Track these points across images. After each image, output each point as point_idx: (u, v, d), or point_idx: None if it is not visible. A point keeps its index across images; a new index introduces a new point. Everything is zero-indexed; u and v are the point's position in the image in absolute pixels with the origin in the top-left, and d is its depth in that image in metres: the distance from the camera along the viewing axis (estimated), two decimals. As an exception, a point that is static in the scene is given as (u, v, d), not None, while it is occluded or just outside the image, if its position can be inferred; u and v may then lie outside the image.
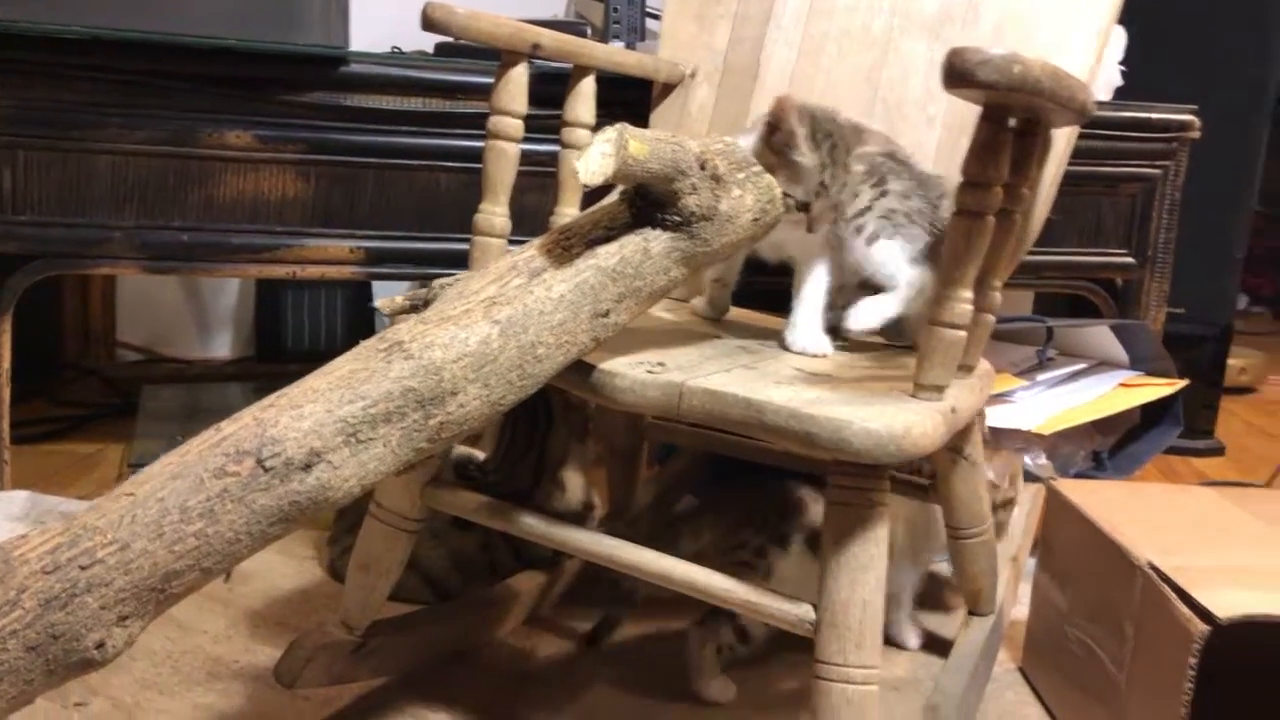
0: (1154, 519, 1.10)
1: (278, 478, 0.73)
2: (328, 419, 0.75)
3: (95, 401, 2.06)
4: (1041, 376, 1.52)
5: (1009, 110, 0.83)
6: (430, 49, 1.66)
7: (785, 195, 0.96)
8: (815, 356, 1.03)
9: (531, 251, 0.88)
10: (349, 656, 1.08)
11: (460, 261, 1.15)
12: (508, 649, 1.25)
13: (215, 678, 1.14)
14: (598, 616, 1.27)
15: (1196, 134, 1.71)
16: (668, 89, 1.36)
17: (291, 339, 2.27)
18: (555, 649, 1.25)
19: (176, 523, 0.70)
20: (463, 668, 1.20)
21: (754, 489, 1.25)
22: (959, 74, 0.76)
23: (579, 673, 1.20)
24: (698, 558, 0.92)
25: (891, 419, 0.80)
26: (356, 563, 1.06)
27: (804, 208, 0.97)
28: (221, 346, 2.38)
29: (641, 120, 1.38)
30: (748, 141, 1.00)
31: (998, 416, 1.43)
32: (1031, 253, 1.75)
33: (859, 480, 0.85)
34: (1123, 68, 1.78)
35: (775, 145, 0.96)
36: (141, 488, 0.70)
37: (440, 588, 1.31)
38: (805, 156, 0.95)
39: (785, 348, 1.05)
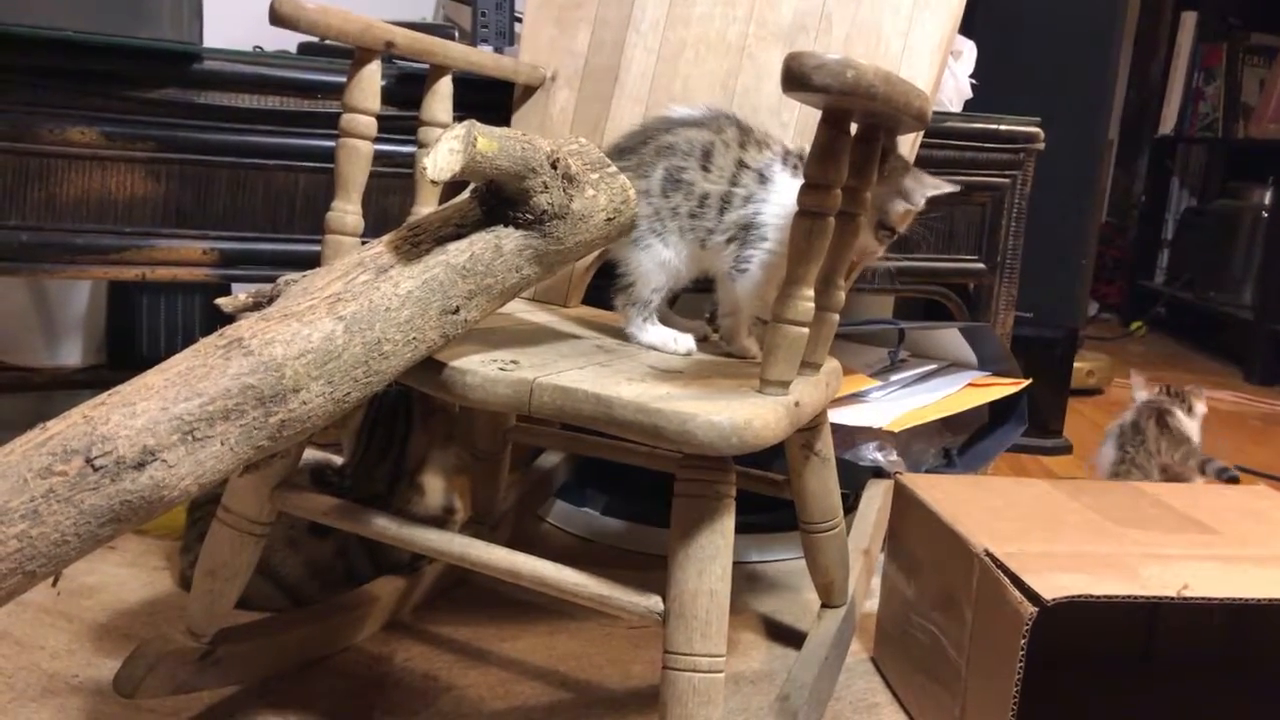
0: (992, 510, 1.15)
1: (108, 477, 0.71)
2: (162, 416, 0.74)
3: (-71, 413, 1.96)
4: (894, 377, 1.57)
5: (847, 114, 0.86)
6: (294, 50, 1.62)
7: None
8: (683, 354, 1.05)
9: (379, 248, 0.88)
10: (195, 664, 1.05)
11: (318, 263, 1.13)
12: (365, 654, 1.23)
13: (51, 694, 1.09)
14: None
15: (1041, 145, 1.79)
16: (529, 92, 1.36)
17: (147, 345, 2.18)
18: (414, 653, 1.24)
19: (-4, 525, 0.67)
20: (318, 674, 1.18)
21: None
22: (796, 77, 0.78)
23: (438, 677, 1.19)
24: None
25: (735, 412, 0.82)
26: (203, 568, 1.03)
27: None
28: (71, 354, 2.27)
29: (504, 124, 1.38)
30: None
31: (852, 415, 1.47)
32: (889, 258, 1.82)
33: (706, 473, 0.87)
34: (973, 80, 1.85)
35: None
36: (-42, 489, 0.67)
37: (296, 595, 1.28)
38: None
39: (653, 346, 1.07)
